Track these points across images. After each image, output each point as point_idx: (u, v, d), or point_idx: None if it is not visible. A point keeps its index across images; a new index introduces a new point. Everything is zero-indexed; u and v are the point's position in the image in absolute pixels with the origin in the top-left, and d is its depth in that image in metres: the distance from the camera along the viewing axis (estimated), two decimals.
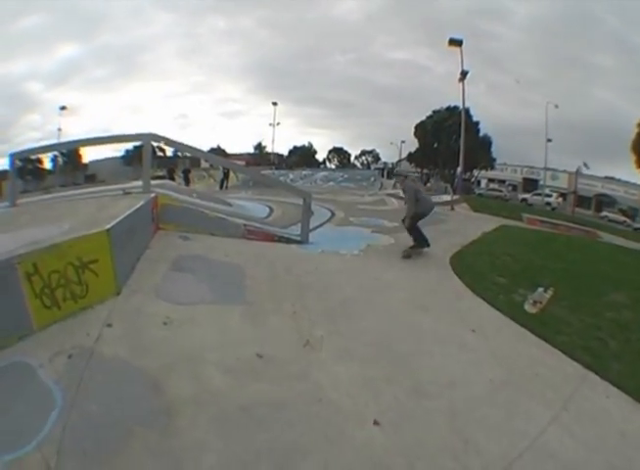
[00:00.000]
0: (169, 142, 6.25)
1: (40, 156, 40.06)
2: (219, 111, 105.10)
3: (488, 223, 10.49)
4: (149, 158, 6.02)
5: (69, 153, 46.42)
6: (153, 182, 6.17)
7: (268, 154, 54.23)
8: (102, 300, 2.94)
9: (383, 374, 2.75)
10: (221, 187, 21.00)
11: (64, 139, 36.42)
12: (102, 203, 4.70)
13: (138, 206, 4.17)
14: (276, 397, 2.35)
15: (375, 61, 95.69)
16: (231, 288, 3.74)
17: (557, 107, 38.19)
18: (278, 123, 48.52)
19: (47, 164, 47.31)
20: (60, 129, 41.98)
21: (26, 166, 41.58)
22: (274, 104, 47.32)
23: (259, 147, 58.12)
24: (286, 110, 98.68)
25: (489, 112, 66.40)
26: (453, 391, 2.67)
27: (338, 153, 64.16)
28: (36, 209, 5.40)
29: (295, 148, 62.41)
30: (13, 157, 6.42)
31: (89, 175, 46.74)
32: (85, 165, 50.03)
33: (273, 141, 51.03)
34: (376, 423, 2.28)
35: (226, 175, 21.63)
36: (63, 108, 43.22)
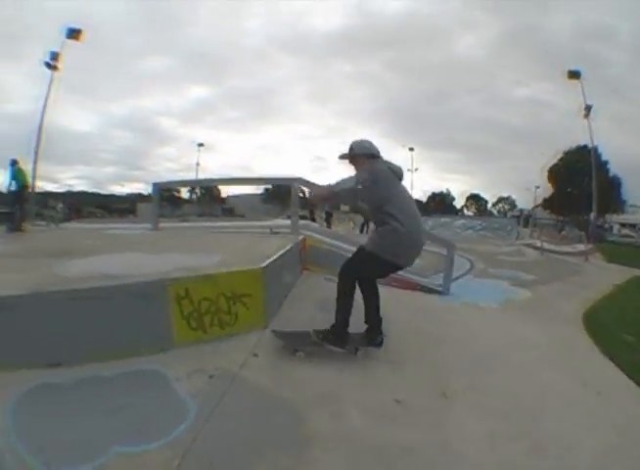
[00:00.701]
0: (315, 187, 6.52)
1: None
2: None
3: (620, 275, 9.68)
4: (296, 201, 6.49)
5: (209, 186, 49.67)
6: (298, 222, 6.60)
7: None
8: (249, 331, 3.10)
9: (507, 430, 2.71)
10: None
11: (202, 174, 41.46)
12: (252, 239, 5.28)
13: (288, 247, 4.48)
14: (407, 441, 2.42)
15: (500, 99, 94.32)
16: None
17: None
18: (416, 169, 48.65)
19: (184, 194, 54.14)
20: (198, 164, 46.62)
21: (163, 193, 47.35)
22: (411, 149, 48.44)
23: None
24: (419, 154, 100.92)
25: (614, 147, 56.98)
26: (569, 454, 2.53)
27: (475, 200, 65.94)
28: (180, 235, 6.10)
29: (433, 194, 65.18)
30: (157, 186, 7.43)
31: (227, 208, 51.05)
32: (223, 199, 56.12)
33: (412, 187, 51.05)
34: None
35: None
36: (200, 145, 48.27)
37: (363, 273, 3.02)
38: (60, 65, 17.70)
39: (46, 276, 3.12)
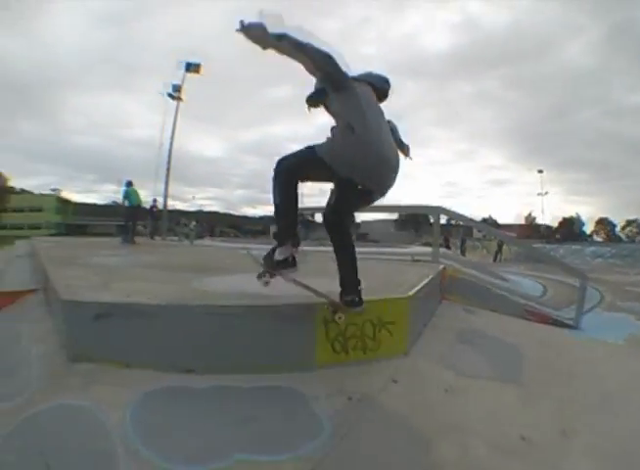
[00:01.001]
0: (456, 216, 6.85)
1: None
2: (484, 179, 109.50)
3: None
4: (438, 230, 6.78)
5: None
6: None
7: (538, 225, 53.58)
8: (390, 357, 3.14)
9: None
10: (495, 259, 21.03)
11: None
12: (393, 267, 5.52)
13: (431, 276, 4.56)
14: None
15: (618, 108, 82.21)
16: (507, 366, 3.75)
17: None
18: (546, 193, 47.50)
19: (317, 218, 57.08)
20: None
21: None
22: (539, 171, 46.88)
23: (529, 218, 58.36)
24: (550, 177, 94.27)
25: None
26: None
27: (603, 224, 63.96)
28: (318, 259, 5.83)
29: (563, 219, 62.62)
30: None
31: (361, 234, 52.00)
32: (357, 224, 56.71)
33: (543, 212, 49.82)
34: None
35: (500, 248, 21.69)
36: None
37: (300, 173, 2.39)
38: (183, 96, 20.14)
39: (185, 290, 3.47)
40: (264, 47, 2.06)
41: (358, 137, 2.14)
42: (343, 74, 2.21)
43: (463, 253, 20.19)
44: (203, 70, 20.86)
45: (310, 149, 2.27)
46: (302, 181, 2.43)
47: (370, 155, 2.18)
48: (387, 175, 2.35)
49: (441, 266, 5.54)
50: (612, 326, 6.25)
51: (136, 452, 2.07)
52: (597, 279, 11.28)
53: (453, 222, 41.59)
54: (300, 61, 2.16)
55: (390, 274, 4.70)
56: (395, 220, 51.53)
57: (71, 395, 2.57)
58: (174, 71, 20.66)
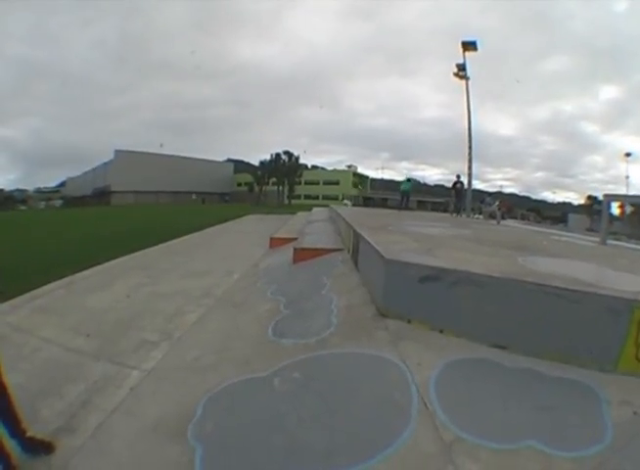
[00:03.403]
0: None
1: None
2: None
3: None
4: None
5: None
6: None
7: None
8: None
9: None
10: None
11: (633, 189, 37.95)
12: None
13: None
14: None
15: None
16: None
17: None
18: None
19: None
20: (627, 177, 43.56)
21: (594, 206, 41.08)
22: None
23: None
24: None
25: None
26: None
27: None
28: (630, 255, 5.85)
29: None
30: (608, 199, 7.09)
31: None
32: None
33: None
34: None
35: None
36: (628, 154, 43.71)
37: None
38: (468, 74, 18.38)
39: (513, 265, 3.37)
40: None
41: None
42: None
43: None
44: (477, 47, 18.90)
45: None
46: None
47: None
48: None
49: None
50: None
51: (432, 414, 2.05)
52: None
53: None
54: None
55: None
56: None
57: (377, 346, 2.66)
58: (451, 51, 19.18)
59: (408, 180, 18.40)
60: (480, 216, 17.24)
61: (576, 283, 2.86)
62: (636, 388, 2.47)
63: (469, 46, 19.12)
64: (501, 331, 2.62)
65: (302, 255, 6.14)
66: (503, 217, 16.42)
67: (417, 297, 2.84)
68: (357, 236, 4.76)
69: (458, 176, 16.76)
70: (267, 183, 55.87)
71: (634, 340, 2.50)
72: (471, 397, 2.23)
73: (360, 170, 73.63)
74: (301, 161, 59.17)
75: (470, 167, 18.39)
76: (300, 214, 19.83)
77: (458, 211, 16.57)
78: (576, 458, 1.91)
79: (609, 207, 6.78)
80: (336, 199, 54.93)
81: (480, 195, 28.35)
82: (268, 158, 56.02)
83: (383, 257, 3.14)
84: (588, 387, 2.40)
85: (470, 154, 18.55)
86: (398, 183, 23.93)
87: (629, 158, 41.86)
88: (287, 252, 6.95)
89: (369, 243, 3.87)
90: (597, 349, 2.54)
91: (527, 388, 2.34)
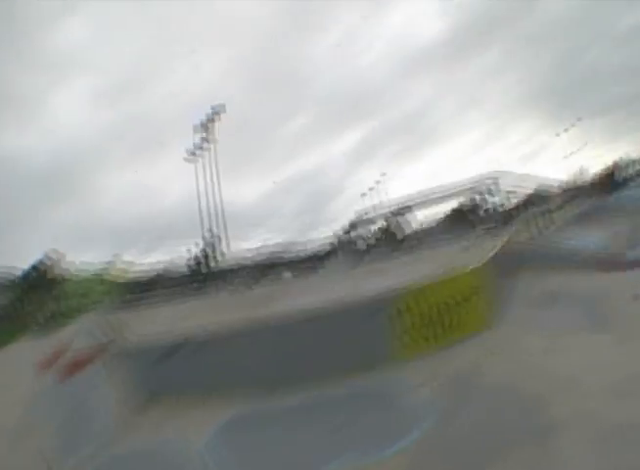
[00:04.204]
0: None
1: None
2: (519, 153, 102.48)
3: None
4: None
5: None
6: None
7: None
8: (476, 333, 3.15)
9: None
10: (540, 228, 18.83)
11: None
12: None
13: (499, 246, 4.73)
14: None
15: None
16: (596, 318, 3.76)
17: None
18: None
19: None
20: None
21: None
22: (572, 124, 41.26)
23: (580, 174, 52.59)
24: (585, 128, 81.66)
25: None
26: None
27: None
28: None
29: (607, 167, 52.58)
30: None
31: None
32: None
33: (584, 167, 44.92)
34: None
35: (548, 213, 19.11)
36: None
37: None
38: (211, 147, 20.22)
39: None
40: None
41: None
42: None
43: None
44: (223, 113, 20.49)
45: None
46: None
47: None
48: None
49: (507, 236, 5.65)
50: None
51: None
52: None
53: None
54: None
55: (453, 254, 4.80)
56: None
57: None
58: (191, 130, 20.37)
59: None
60: None
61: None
62: (428, 364, 2.79)
63: (217, 111, 19.67)
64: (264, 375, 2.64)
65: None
66: None
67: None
68: None
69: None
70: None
71: (400, 327, 2.62)
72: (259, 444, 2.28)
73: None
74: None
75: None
76: None
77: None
78: (392, 456, 2.10)
79: None
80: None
81: None
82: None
83: None
84: (380, 387, 2.57)
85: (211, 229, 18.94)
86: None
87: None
88: None
89: None
90: (370, 351, 2.57)
91: (317, 414, 2.40)
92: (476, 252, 4.83)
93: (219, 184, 20.19)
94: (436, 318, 2.94)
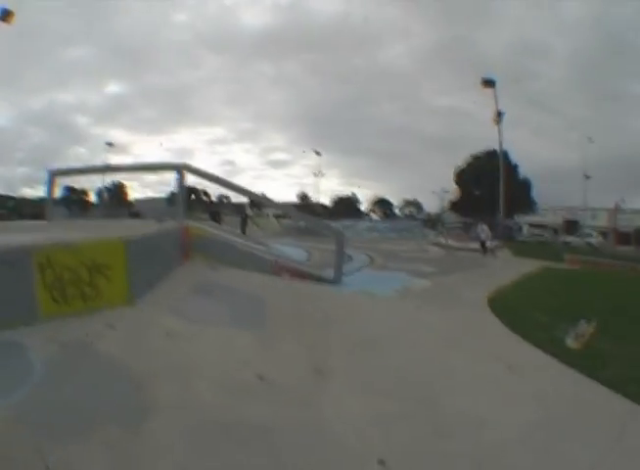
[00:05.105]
0: (202, 174, 6.60)
1: (86, 188, 47.21)
2: (265, 159, 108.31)
3: (528, 266, 10.56)
4: (183, 187, 6.36)
5: (115, 189, 51.84)
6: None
7: (312, 204, 55.16)
8: (111, 306, 3.10)
9: (401, 411, 2.52)
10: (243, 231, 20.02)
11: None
12: (131, 224, 5.44)
13: (164, 229, 4.58)
14: (266, 420, 2.26)
15: (421, 108, 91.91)
16: (247, 315, 3.77)
17: (592, 141, 37.33)
18: (322, 174, 51.52)
19: (92, 198, 52.73)
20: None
21: (71, 196, 47.21)
22: (317, 153, 49.79)
23: (304, 197, 59.89)
24: (331, 160, 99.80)
25: (532, 155, 61.03)
26: (481, 433, 2.33)
27: (381, 204, 64.76)
28: (69, 224, 6.07)
29: (339, 199, 63.58)
30: (51, 173, 7.06)
31: (133, 212, 48.49)
32: (130, 203, 54.09)
33: (318, 191, 53.39)
34: (381, 463, 1.99)
35: (246, 220, 19.18)
36: (109, 144, 45.94)
37: None
38: None
39: None
40: None
41: None
42: None
43: (243, 229, 19.03)
44: (14, 18, 16.95)
45: None
46: None
47: None
48: None
49: (182, 224, 5.52)
50: (382, 282, 7.30)
51: None
52: (371, 248, 13.38)
53: (225, 200, 46.66)
54: None
55: (123, 230, 4.42)
56: (167, 198, 52.47)
57: None
58: None
59: None
60: None
61: None
62: (63, 325, 2.69)
63: (5, 15, 18.12)
64: None
65: None
66: None
67: None
68: None
69: None
70: None
71: (43, 284, 2.68)
72: None
73: None
74: None
75: None
76: None
77: None
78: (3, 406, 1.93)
79: (50, 181, 6.87)
80: None
81: None
82: None
83: None
84: (12, 342, 2.44)
85: None
86: None
87: (112, 148, 45.80)
88: None
89: None
90: (12, 305, 2.55)
91: None
92: (153, 227, 4.94)
93: None
94: (76, 280, 2.87)
